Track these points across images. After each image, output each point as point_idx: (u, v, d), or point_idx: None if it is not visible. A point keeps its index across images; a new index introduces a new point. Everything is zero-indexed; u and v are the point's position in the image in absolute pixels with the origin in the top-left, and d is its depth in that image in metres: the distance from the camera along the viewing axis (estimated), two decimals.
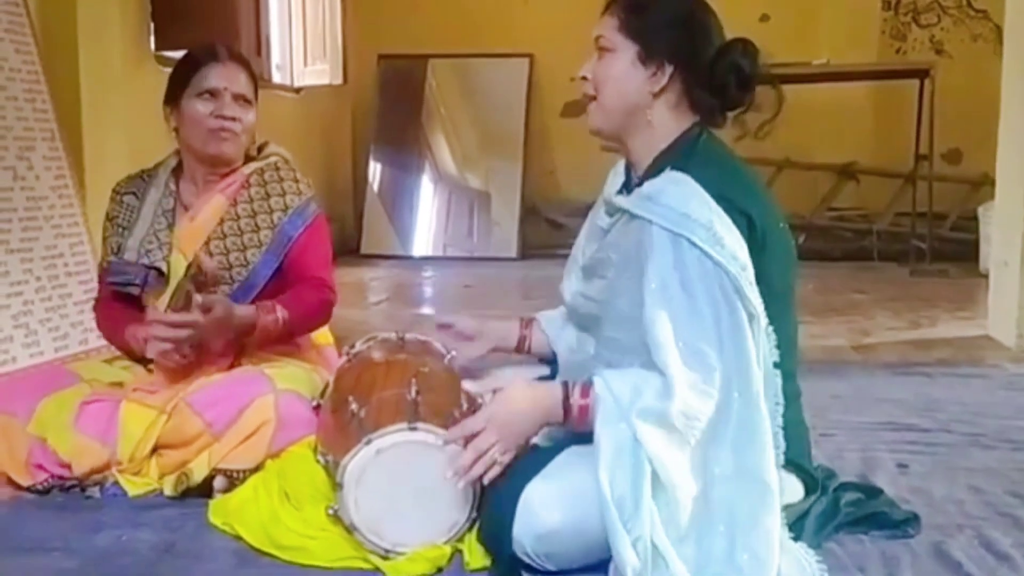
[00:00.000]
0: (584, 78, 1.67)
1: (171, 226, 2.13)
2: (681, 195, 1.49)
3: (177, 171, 2.21)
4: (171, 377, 2.03)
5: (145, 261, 2.09)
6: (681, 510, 1.43)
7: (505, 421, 1.53)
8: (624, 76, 1.61)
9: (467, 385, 1.62)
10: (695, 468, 1.46)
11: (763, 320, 1.49)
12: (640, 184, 1.61)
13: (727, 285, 1.45)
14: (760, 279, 1.51)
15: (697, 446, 1.46)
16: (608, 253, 1.64)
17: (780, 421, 1.52)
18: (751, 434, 1.45)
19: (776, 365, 1.52)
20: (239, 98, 2.12)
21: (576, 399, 1.51)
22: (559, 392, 1.53)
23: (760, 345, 1.48)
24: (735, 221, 1.49)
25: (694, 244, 1.45)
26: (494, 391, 1.58)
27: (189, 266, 2.09)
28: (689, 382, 1.43)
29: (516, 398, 1.55)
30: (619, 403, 1.46)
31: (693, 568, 1.40)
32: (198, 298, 1.87)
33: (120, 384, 2.06)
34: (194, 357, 2.00)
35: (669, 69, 1.60)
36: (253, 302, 2.06)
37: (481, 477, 1.53)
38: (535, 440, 1.61)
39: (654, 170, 1.60)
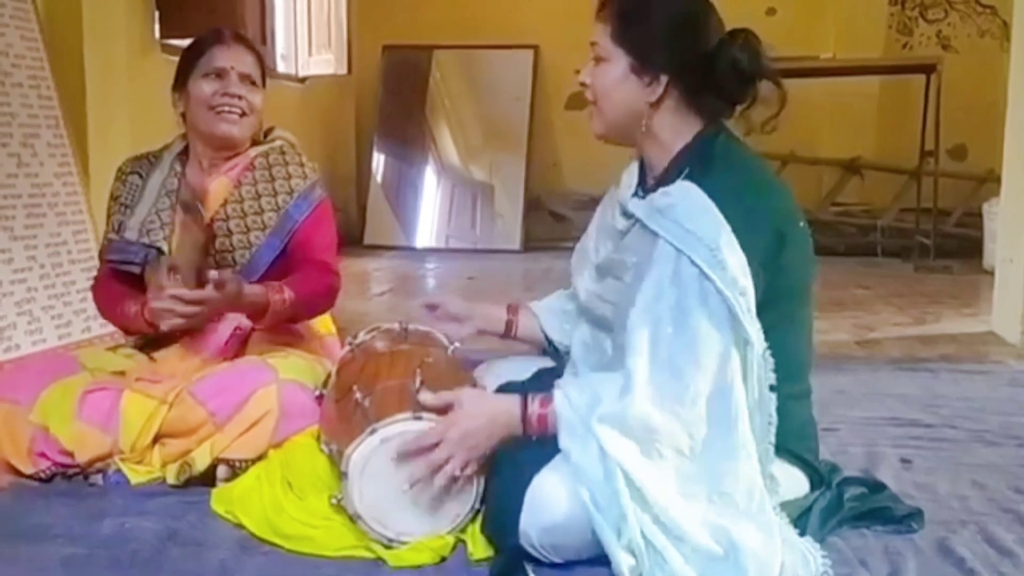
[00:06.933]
0: (583, 84, 1.66)
1: (174, 207, 2.13)
2: (690, 211, 1.48)
3: (183, 154, 2.21)
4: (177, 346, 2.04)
5: (146, 240, 2.09)
6: (665, 515, 1.41)
7: (459, 436, 1.52)
8: (619, 87, 1.60)
9: (423, 397, 1.58)
10: (671, 481, 1.45)
11: (759, 346, 1.47)
12: (655, 186, 1.60)
13: (723, 310, 1.44)
14: (779, 278, 1.50)
15: (671, 463, 1.45)
16: (625, 256, 1.63)
17: (772, 439, 1.50)
18: (726, 457, 1.44)
19: (772, 388, 1.49)
20: (245, 78, 2.12)
21: (534, 409, 1.51)
22: (517, 405, 1.53)
23: (754, 370, 1.47)
24: (754, 228, 1.47)
25: (694, 263, 1.44)
26: (449, 405, 1.56)
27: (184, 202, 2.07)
28: (653, 396, 1.42)
29: (471, 414, 1.54)
30: (579, 414, 1.45)
31: (696, 568, 1.39)
32: (213, 274, 1.87)
33: (123, 373, 2.05)
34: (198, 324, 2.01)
35: (664, 79, 1.58)
36: (257, 283, 2.05)
37: (450, 488, 1.53)
38: None
39: (671, 172, 1.59)
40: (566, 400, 1.48)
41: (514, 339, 1.97)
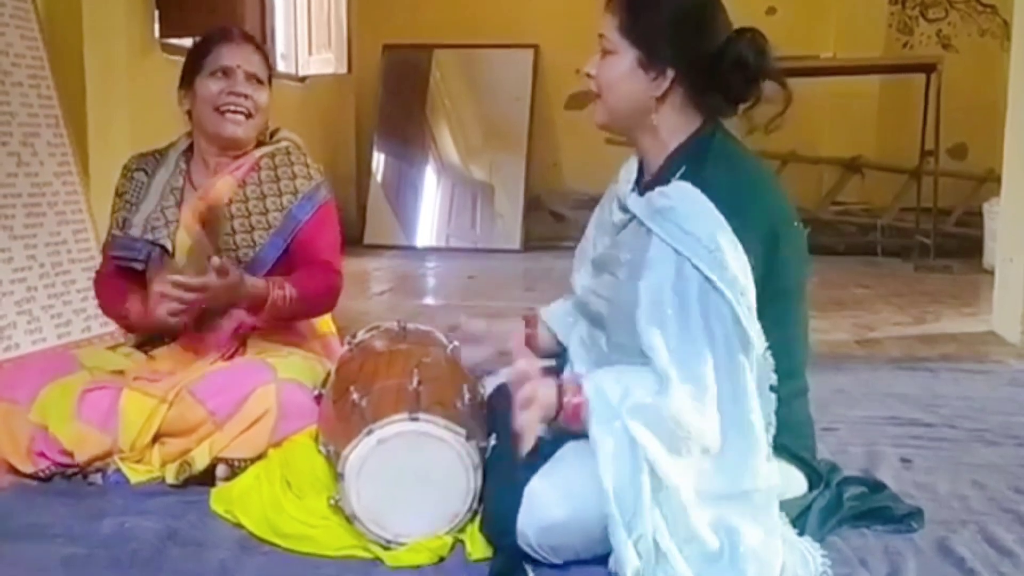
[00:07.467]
0: (588, 75, 1.65)
1: (179, 204, 2.13)
2: (689, 213, 1.47)
3: (188, 152, 2.22)
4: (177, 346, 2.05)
5: (150, 237, 2.09)
6: (684, 512, 1.41)
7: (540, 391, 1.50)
8: (626, 80, 1.60)
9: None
10: (691, 480, 1.45)
11: (760, 347, 1.47)
12: (652, 183, 1.60)
13: (724, 310, 1.44)
14: (771, 278, 1.50)
15: (693, 461, 1.45)
16: (619, 252, 1.63)
17: (770, 440, 1.50)
18: (746, 455, 1.45)
19: (772, 388, 1.50)
20: (252, 77, 2.12)
21: (569, 399, 1.50)
22: (555, 391, 1.52)
23: (755, 370, 1.47)
24: (748, 227, 1.47)
25: (695, 266, 1.44)
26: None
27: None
28: (686, 395, 1.42)
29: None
30: (609, 404, 1.45)
31: (696, 568, 1.39)
32: (215, 260, 1.86)
33: (122, 372, 2.05)
34: (193, 319, 2.00)
35: (671, 74, 1.57)
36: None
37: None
38: (539, 433, 1.60)
39: (667, 170, 1.59)
40: (598, 390, 1.47)
41: (535, 353, 1.94)
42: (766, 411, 1.49)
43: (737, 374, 1.45)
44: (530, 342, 1.92)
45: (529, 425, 1.48)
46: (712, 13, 1.60)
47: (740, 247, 1.45)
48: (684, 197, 1.50)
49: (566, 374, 1.74)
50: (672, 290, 1.46)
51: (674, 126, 1.61)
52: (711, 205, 1.47)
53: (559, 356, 1.93)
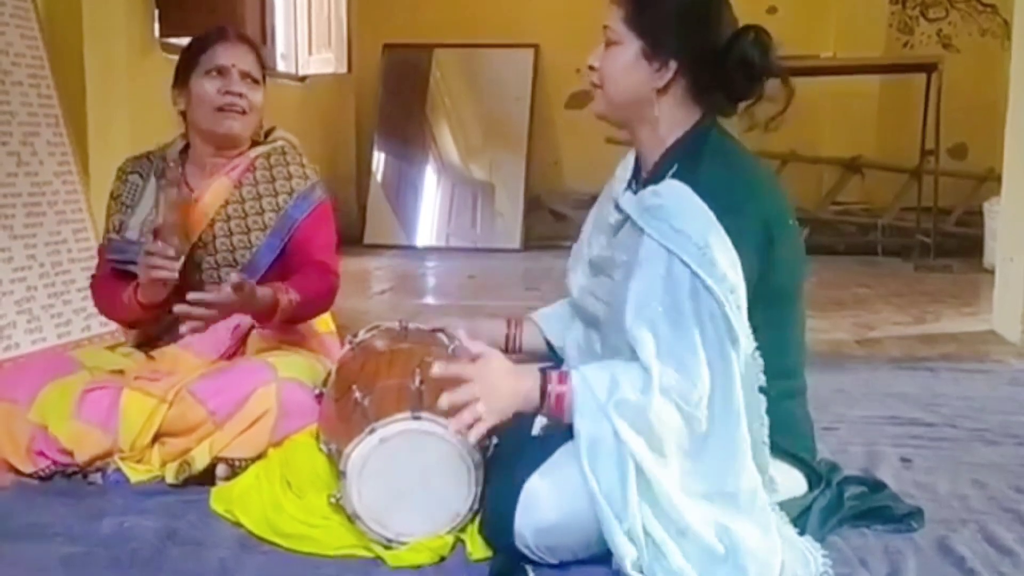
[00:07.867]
0: (591, 67, 1.65)
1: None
2: (678, 210, 1.47)
3: (183, 154, 2.21)
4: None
5: (145, 241, 2.09)
6: (671, 503, 1.41)
7: (491, 383, 1.48)
8: (628, 70, 1.59)
9: (461, 334, 1.55)
10: (676, 478, 1.44)
11: (748, 346, 1.46)
12: (648, 180, 1.60)
13: (714, 308, 1.43)
14: (767, 277, 1.50)
15: (674, 460, 1.44)
16: (616, 254, 1.63)
17: (765, 440, 1.49)
18: (731, 455, 1.44)
19: (761, 390, 1.49)
20: (246, 76, 2.12)
21: (553, 387, 1.48)
22: (538, 380, 1.51)
23: (743, 370, 1.46)
24: (742, 225, 1.47)
25: (685, 263, 1.44)
26: (474, 358, 1.52)
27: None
28: (664, 387, 1.41)
29: (499, 367, 1.52)
30: (596, 397, 1.44)
31: (696, 565, 1.39)
32: (233, 277, 1.86)
33: (121, 372, 2.05)
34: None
35: (674, 65, 1.57)
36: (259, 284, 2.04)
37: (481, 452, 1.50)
38: (534, 432, 1.59)
39: (662, 167, 1.59)
40: (584, 382, 1.46)
41: (518, 352, 1.94)
42: (756, 412, 1.48)
43: (727, 373, 1.44)
44: (508, 344, 1.92)
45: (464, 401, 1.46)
46: (718, 8, 1.60)
47: (731, 245, 1.45)
48: (674, 195, 1.50)
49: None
50: (663, 288, 1.45)
51: (673, 120, 1.60)
52: (701, 203, 1.47)
53: (551, 359, 1.92)
